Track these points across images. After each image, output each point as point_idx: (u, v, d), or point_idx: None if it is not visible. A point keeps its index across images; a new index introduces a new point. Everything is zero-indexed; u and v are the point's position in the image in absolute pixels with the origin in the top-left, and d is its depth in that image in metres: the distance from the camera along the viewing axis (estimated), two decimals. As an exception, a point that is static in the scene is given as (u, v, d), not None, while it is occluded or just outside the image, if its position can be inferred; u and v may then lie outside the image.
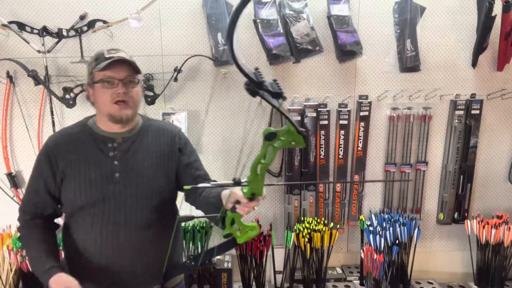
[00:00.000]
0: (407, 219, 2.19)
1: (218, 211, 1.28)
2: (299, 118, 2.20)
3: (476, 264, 2.31)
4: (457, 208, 2.39)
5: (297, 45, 2.08)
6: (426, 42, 2.23)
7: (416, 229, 2.18)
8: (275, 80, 1.09)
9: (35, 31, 2.07)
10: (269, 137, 1.07)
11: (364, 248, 2.16)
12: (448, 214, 2.39)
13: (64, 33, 2.08)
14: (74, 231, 1.41)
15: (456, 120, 2.29)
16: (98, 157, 1.38)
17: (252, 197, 1.18)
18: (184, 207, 1.67)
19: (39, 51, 2.07)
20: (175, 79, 2.15)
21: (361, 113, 2.25)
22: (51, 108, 2.16)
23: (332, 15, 2.13)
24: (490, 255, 2.23)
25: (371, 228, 2.17)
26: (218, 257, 2.36)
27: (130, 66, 1.36)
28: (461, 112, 2.28)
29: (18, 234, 1.54)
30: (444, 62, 2.28)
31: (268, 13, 2.11)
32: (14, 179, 2.25)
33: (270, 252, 2.20)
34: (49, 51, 2.09)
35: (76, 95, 2.11)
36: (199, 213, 1.46)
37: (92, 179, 1.36)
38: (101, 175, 1.36)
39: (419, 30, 2.17)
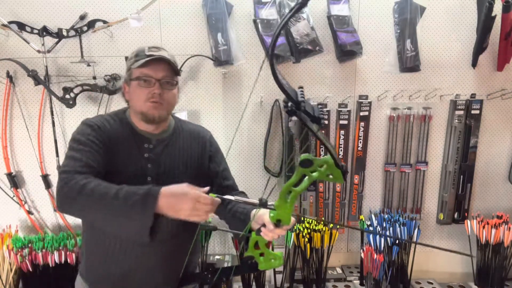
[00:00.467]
0: (407, 219, 2.19)
1: (244, 227, 1.24)
2: (299, 118, 2.20)
3: (476, 264, 2.31)
4: (457, 208, 2.39)
5: (297, 45, 2.08)
6: (426, 42, 2.23)
7: (416, 229, 2.18)
8: (319, 104, 1.04)
9: (35, 31, 2.07)
10: (305, 163, 1.00)
11: (364, 248, 2.16)
12: (448, 214, 2.39)
13: (64, 33, 2.08)
14: (99, 234, 1.35)
15: (456, 120, 2.29)
16: (136, 156, 1.33)
17: (278, 223, 1.12)
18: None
19: (39, 51, 2.07)
20: (175, 79, 2.15)
21: (361, 113, 2.25)
22: (51, 108, 2.16)
23: (332, 15, 2.13)
24: (490, 255, 2.23)
25: (371, 228, 2.17)
26: (218, 257, 2.36)
27: (170, 67, 1.32)
28: (461, 112, 2.27)
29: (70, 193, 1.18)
30: (444, 62, 2.28)
31: (268, 13, 2.11)
32: (14, 179, 2.25)
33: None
34: (49, 51, 2.09)
35: (76, 95, 2.11)
36: (222, 223, 1.44)
37: (127, 177, 1.29)
38: (135, 175, 1.31)
39: (419, 30, 2.17)
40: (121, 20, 2.07)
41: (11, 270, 2.08)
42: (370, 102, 2.25)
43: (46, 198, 2.30)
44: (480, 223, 2.24)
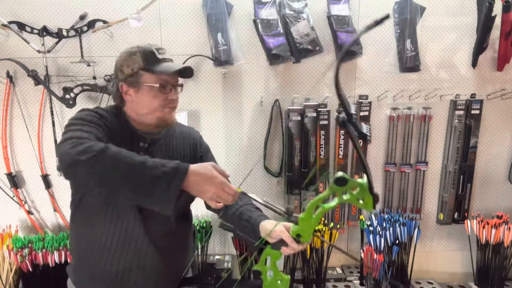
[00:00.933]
0: (407, 219, 2.19)
1: (250, 234, 1.23)
2: (299, 118, 2.20)
3: (476, 264, 2.31)
4: (457, 208, 2.39)
5: (297, 45, 2.08)
6: (426, 42, 2.23)
7: (416, 229, 2.18)
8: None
9: (35, 31, 2.07)
10: (340, 182, 0.98)
11: (364, 248, 2.16)
12: (448, 214, 2.39)
13: (64, 33, 2.08)
14: (92, 233, 1.33)
15: (456, 120, 2.29)
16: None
17: (297, 238, 1.09)
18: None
19: (39, 51, 2.07)
20: (175, 79, 2.15)
21: (361, 113, 2.25)
22: (51, 108, 2.16)
23: (332, 15, 2.13)
24: (490, 255, 2.23)
25: (371, 228, 2.17)
26: (218, 257, 2.36)
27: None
28: (461, 112, 2.27)
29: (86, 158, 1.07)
30: (444, 62, 2.28)
31: (268, 13, 2.11)
32: (14, 179, 2.25)
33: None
34: (49, 51, 2.09)
35: (76, 95, 2.11)
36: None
37: None
38: None
39: (419, 30, 2.17)
40: (121, 20, 2.07)
41: (11, 270, 2.08)
42: (370, 102, 2.25)
43: (46, 198, 2.30)
44: (480, 223, 2.24)
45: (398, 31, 2.18)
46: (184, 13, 2.16)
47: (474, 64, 2.25)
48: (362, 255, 2.17)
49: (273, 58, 2.10)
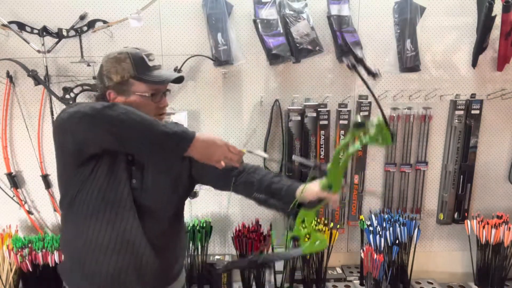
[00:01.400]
0: (407, 219, 2.19)
1: (285, 203, 1.24)
2: (299, 118, 2.20)
3: (476, 264, 2.31)
4: (457, 208, 2.39)
5: (297, 45, 2.08)
6: (426, 42, 2.23)
7: (416, 229, 2.18)
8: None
9: (35, 31, 2.07)
10: (358, 125, 1.07)
11: (364, 248, 2.16)
12: (448, 214, 2.39)
13: (64, 33, 2.08)
14: (86, 230, 1.30)
15: (456, 120, 2.29)
16: (120, 159, 1.29)
17: (329, 189, 1.14)
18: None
19: (39, 51, 2.07)
20: (175, 79, 2.15)
21: (361, 113, 2.25)
22: (51, 108, 2.16)
23: (332, 15, 2.13)
24: (490, 255, 2.23)
25: (371, 228, 2.17)
26: (218, 257, 2.36)
27: None
28: (461, 112, 2.27)
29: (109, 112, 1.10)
30: (444, 62, 2.28)
31: (268, 13, 2.11)
32: (14, 179, 2.25)
33: (270, 252, 2.20)
34: (49, 51, 2.09)
35: (76, 95, 2.11)
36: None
37: (111, 177, 1.27)
38: (119, 179, 1.28)
39: (419, 30, 2.17)
40: (121, 20, 2.07)
41: (11, 270, 2.08)
42: (370, 102, 2.25)
43: (46, 198, 2.30)
44: (480, 223, 2.24)
45: (398, 31, 2.18)
46: (184, 13, 2.16)
47: (474, 64, 2.25)
48: (362, 255, 2.17)
49: (273, 58, 2.10)
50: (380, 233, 2.13)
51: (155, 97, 1.28)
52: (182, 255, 1.54)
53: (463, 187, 2.35)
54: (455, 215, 2.40)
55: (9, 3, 2.09)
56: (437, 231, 2.48)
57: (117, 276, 1.30)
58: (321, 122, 2.24)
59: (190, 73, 2.22)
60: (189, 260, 2.20)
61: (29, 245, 2.05)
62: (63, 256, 1.43)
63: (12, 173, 2.25)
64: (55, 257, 2.03)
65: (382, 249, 2.11)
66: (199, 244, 2.18)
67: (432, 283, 2.34)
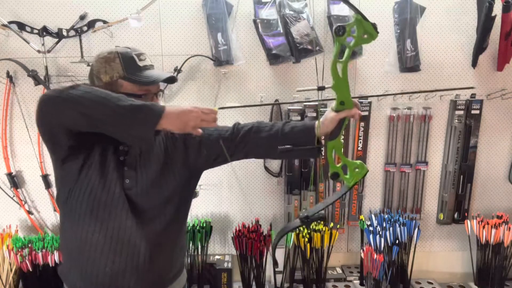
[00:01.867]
0: (407, 219, 2.19)
1: (306, 137, 1.24)
2: (299, 118, 2.20)
3: (476, 264, 2.31)
4: (457, 208, 2.39)
5: (297, 45, 2.08)
6: (426, 42, 2.23)
7: (416, 229, 2.18)
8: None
9: (35, 31, 2.07)
10: (339, 31, 1.06)
11: (364, 248, 2.16)
12: (448, 214, 2.39)
13: (64, 33, 2.08)
14: (81, 230, 1.30)
15: (456, 120, 2.29)
16: (110, 158, 1.29)
17: (343, 107, 1.14)
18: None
19: (39, 51, 2.08)
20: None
21: (361, 113, 2.25)
22: (51, 108, 2.16)
23: (332, 15, 2.13)
24: (490, 255, 2.23)
25: (371, 228, 2.17)
26: (218, 257, 2.36)
27: None
28: (461, 112, 2.27)
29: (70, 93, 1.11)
30: (444, 62, 2.28)
31: (268, 13, 2.11)
32: (14, 179, 2.25)
33: (270, 252, 2.20)
34: (49, 51, 2.09)
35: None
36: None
37: (102, 177, 1.27)
38: (110, 178, 1.28)
39: (419, 30, 2.17)
40: (121, 20, 2.07)
41: (11, 270, 2.08)
42: (370, 102, 2.25)
43: (46, 198, 2.30)
44: (480, 223, 2.24)
45: (398, 31, 2.18)
46: (184, 13, 2.16)
47: (474, 64, 2.25)
48: (362, 255, 2.18)
49: (273, 58, 2.10)
50: (380, 233, 2.13)
51: (146, 98, 1.25)
52: (182, 255, 1.53)
53: (463, 187, 2.35)
54: (455, 215, 2.40)
55: (9, 3, 2.09)
56: (437, 231, 2.48)
57: (115, 276, 1.29)
58: (321, 122, 2.23)
59: (190, 73, 2.22)
60: (189, 260, 2.20)
61: (29, 245, 2.05)
62: (62, 257, 1.43)
63: (12, 173, 2.25)
64: (55, 257, 2.03)
65: (382, 249, 2.11)
66: (199, 244, 2.18)
67: (432, 283, 2.34)
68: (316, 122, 1.26)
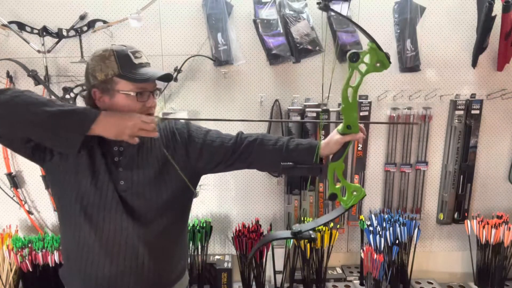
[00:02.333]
0: (407, 219, 2.19)
1: (309, 156, 1.26)
2: (299, 118, 2.20)
3: (476, 264, 2.31)
4: (457, 208, 2.39)
5: (297, 45, 2.08)
6: (426, 42, 2.23)
7: (416, 229, 2.18)
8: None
9: (35, 31, 2.07)
10: (353, 57, 1.08)
11: (364, 248, 2.16)
12: (448, 214, 2.39)
13: (64, 33, 2.08)
14: (84, 235, 1.29)
15: (456, 120, 2.29)
16: (103, 159, 1.26)
17: (349, 131, 1.17)
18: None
19: (39, 51, 2.07)
20: (175, 79, 2.15)
21: (361, 113, 2.25)
22: (51, 108, 2.16)
23: (332, 15, 2.13)
24: (490, 255, 2.23)
25: (371, 228, 2.17)
26: (218, 257, 2.36)
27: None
28: (461, 112, 2.27)
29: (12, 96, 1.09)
30: (444, 62, 2.28)
31: (268, 13, 2.11)
32: (14, 179, 2.25)
33: (270, 252, 2.20)
34: (49, 51, 2.09)
35: (76, 95, 2.10)
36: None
37: (93, 179, 1.25)
38: (102, 180, 1.25)
39: (419, 30, 2.17)
40: (121, 20, 2.07)
41: (11, 270, 2.08)
42: (370, 102, 2.25)
43: (46, 198, 2.30)
44: (480, 223, 2.24)
45: (398, 31, 2.18)
46: (184, 13, 2.16)
47: (474, 64, 2.25)
48: (362, 255, 2.17)
49: (273, 58, 2.10)
50: (380, 233, 2.13)
51: (142, 96, 1.23)
52: (184, 257, 1.51)
53: (463, 187, 2.35)
54: (455, 215, 2.40)
55: (9, 3, 2.09)
56: (437, 231, 2.48)
57: (114, 278, 1.29)
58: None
59: (190, 73, 2.22)
60: (189, 260, 2.19)
61: (29, 245, 2.05)
62: (62, 259, 1.43)
63: (12, 173, 2.25)
64: (55, 257, 2.03)
65: (382, 249, 2.11)
66: (199, 244, 2.18)
67: (432, 283, 2.34)
68: (320, 141, 1.29)
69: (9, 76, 2.15)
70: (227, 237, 2.41)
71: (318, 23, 2.17)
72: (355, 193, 1.22)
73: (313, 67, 2.24)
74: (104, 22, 2.09)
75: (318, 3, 1.03)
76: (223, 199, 2.38)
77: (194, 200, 1.77)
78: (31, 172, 2.27)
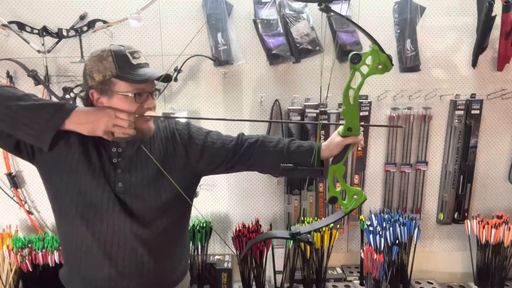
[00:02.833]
0: (407, 219, 2.19)
1: (309, 158, 1.25)
2: (299, 118, 2.20)
3: (476, 264, 2.31)
4: (457, 208, 2.39)
5: (297, 45, 2.08)
6: (426, 42, 2.23)
7: (416, 229, 2.18)
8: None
9: (35, 31, 2.07)
10: (354, 59, 1.07)
11: (364, 248, 2.16)
12: (448, 214, 2.39)
13: (64, 33, 2.08)
14: (75, 235, 1.29)
15: (456, 120, 2.29)
16: (100, 160, 1.25)
17: (349, 133, 1.16)
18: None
19: (39, 51, 2.07)
20: (175, 79, 2.15)
21: (361, 113, 2.25)
22: (51, 108, 2.16)
23: (332, 15, 2.13)
24: (490, 255, 2.23)
25: (371, 228, 2.17)
26: (218, 257, 2.36)
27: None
28: (461, 112, 2.27)
29: None
30: (444, 62, 2.28)
31: (268, 13, 2.11)
32: (14, 179, 2.25)
33: (270, 252, 2.20)
34: (49, 51, 2.09)
35: (76, 95, 2.10)
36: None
37: (91, 180, 1.24)
38: (99, 182, 1.24)
39: (419, 30, 2.17)
40: (121, 20, 2.07)
41: (11, 270, 2.08)
42: (370, 102, 2.24)
43: (46, 198, 2.28)
44: (480, 223, 2.24)
45: (398, 31, 2.18)
46: (184, 13, 2.16)
47: (474, 64, 2.24)
48: (362, 255, 2.17)
49: (273, 58, 2.10)
50: (380, 233, 2.13)
51: (140, 97, 1.21)
52: (185, 258, 1.50)
53: (463, 187, 2.35)
54: (455, 215, 2.40)
55: (9, 3, 2.09)
56: (437, 231, 2.48)
57: (114, 279, 1.28)
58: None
59: (190, 73, 2.22)
60: (189, 260, 2.19)
61: (29, 245, 2.05)
62: (62, 260, 1.42)
63: (12, 173, 2.25)
64: (55, 257, 2.03)
65: (382, 249, 2.11)
66: (199, 244, 2.18)
67: (432, 283, 2.34)
68: (319, 144, 1.29)
69: (9, 76, 2.15)
70: (222, 240, 2.41)
71: (318, 23, 2.17)
72: (355, 196, 1.22)
73: (313, 67, 2.24)
74: (104, 22, 2.09)
75: (319, 5, 1.03)
76: (223, 199, 2.38)
77: (194, 200, 1.77)
78: (31, 172, 2.27)
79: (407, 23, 2.14)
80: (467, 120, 2.28)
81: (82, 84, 1.29)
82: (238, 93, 2.26)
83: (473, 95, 2.28)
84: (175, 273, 1.42)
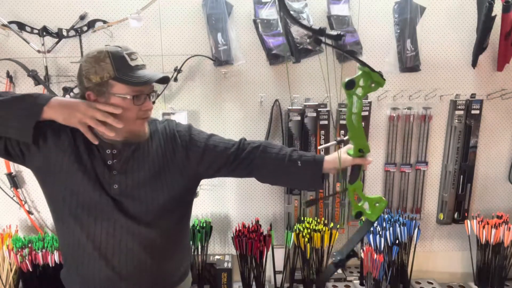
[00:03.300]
0: (407, 219, 2.19)
1: (314, 173, 1.30)
2: (299, 118, 2.20)
3: (476, 264, 2.31)
4: (457, 208, 2.39)
5: (297, 45, 2.08)
6: (426, 42, 2.23)
7: (416, 229, 2.18)
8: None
9: (35, 31, 2.07)
10: (349, 85, 1.10)
11: (364, 248, 2.16)
12: (448, 214, 2.39)
13: (64, 33, 2.08)
14: (72, 236, 1.29)
15: (456, 120, 2.29)
16: (92, 162, 1.25)
17: (361, 154, 1.20)
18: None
19: (39, 51, 2.07)
20: (175, 79, 2.15)
21: (361, 113, 2.24)
22: (51, 108, 2.16)
23: (332, 15, 2.13)
24: (490, 255, 2.23)
25: (371, 228, 2.17)
26: (218, 257, 2.36)
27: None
28: (461, 112, 2.27)
29: None
30: (444, 62, 2.28)
31: (268, 13, 2.11)
32: (14, 179, 2.25)
33: (270, 252, 2.20)
34: (49, 51, 2.09)
35: (76, 95, 2.11)
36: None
37: (85, 182, 1.24)
38: (93, 183, 1.24)
39: (419, 30, 2.17)
40: (121, 20, 2.07)
41: (11, 270, 2.08)
42: (370, 102, 2.25)
43: (46, 198, 2.30)
44: (480, 223, 2.24)
45: (398, 31, 2.18)
46: (184, 13, 2.16)
47: (474, 64, 2.24)
48: (362, 255, 2.17)
49: (273, 58, 2.10)
50: (380, 233, 2.13)
51: (138, 99, 1.21)
52: (186, 259, 1.49)
53: (463, 187, 2.35)
54: (455, 215, 2.40)
55: (9, 3, 2.09)
56: (437, 231, 2.48)
57: (112, 280, 1.28)
58: (321, 122, 2.24)
59: (190, 73, 2.22)
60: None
61: (29, 245, 2.05)
62: (62, 260, 1.43)
63: (12, 173, 2.25)
64: (55, 257, 2.03)
65: (382, 249, 2.11)
66: (199, 244, 2.18)
67: (432, 283, 2.34)
68: (322, 156, 1.35)
69: (9, 76, 2.15)
70: (221, 240, 2.41)
71: (318, 23, 2.16)
72: (377, 204, 1.26)
73: (313, 67, 2.24)
74: (104, 22, 2.09)
75: (309, 38, 1.11)
76: (223, 199, 2.38)
77: (194, 200, 1.78)
78: (31, 172, 2.26)
79: (407, 23, 2.14)
80: (467, 120, 2.28)
81: (78, 85, 1.28)
82: (238, 93, 2.26)
83: (473, 95, 2.28)
84: (176, 274, 1.42)
